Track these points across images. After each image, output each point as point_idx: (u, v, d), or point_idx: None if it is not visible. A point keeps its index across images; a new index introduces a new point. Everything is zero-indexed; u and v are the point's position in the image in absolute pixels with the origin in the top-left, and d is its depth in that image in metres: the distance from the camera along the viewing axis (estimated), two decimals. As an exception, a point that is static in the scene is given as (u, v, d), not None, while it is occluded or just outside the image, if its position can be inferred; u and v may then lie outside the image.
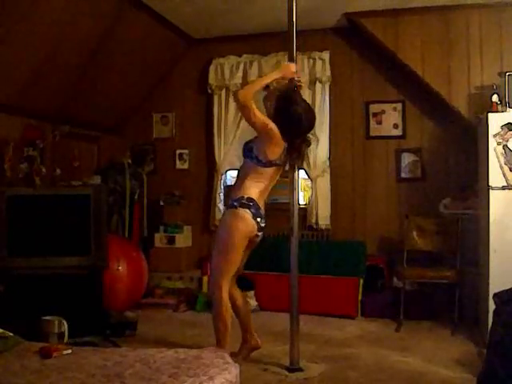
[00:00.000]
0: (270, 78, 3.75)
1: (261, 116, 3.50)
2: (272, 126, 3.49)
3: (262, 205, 3.65)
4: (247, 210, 3.54)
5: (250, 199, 3.56)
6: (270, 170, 3.62)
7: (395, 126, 5.80)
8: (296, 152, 3.68)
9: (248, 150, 3.65)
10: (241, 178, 3.68)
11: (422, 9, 5.21)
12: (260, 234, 3.67)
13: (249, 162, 3.65)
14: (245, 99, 3.44)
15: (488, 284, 4.20)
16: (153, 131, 6.58)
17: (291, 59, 3.77)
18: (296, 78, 3.74)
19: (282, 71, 3.74)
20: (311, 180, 5.92)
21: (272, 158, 3.55)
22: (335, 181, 5.91)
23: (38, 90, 5.02)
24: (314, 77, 5.87)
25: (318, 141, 5.70)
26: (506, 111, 4.52)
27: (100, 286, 4.44)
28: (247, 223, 3.55)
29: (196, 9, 5.34)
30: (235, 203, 3.57)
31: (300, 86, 3.82)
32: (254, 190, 3.59)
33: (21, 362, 2.45)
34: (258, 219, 3.58)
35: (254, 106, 3.46)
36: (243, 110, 3.52)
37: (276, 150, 3.54)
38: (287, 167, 3.81)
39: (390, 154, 5.82)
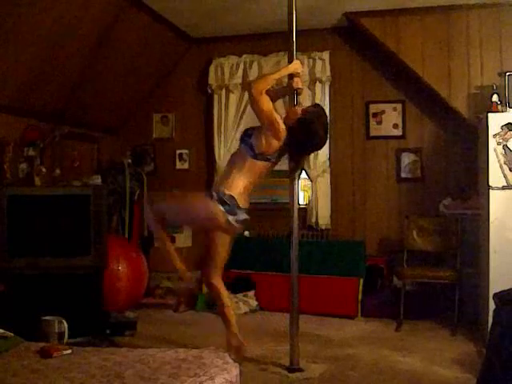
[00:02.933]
0: (282, 73, 3.67)
1: (269, 107, 3.42)
2: (279, 120, 3.45)
3: (244, 199, 3.54)
4: (221, 207, 3.45)
5: (231, 197, 3.47)
6: (259, 164, 3.54)
7: (395, 126, 5.80)
8: (296, 161, 3.67)
9: (247, 135, 3.57)
10: (229, 167, 3.63)
11: (421, 9, 5.21)
12: (238, 226, 3.57)
13: (242, 149, 3.57)
14: (257, 94, 3.38)
15: (488, 284, 4.21)
16: (153, 131, 6.58)
17: (291, 59, 3.76)
18: (298, 85, 3.69)
19: (292, 67, 3.67)
20: (311, 180, 5.92)
21: (266, 150, 3.49)
22: (335, 181, 5.91)
23: (38, 90, 5.02)
24: (314, 77, 5.87)
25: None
26: (506, 111, 4.53)
27: (100, 286, 4.44)
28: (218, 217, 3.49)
29: (196, 9, 5.34)
30: (214, 194, 3.48)
31: (300, 90, 3.76)
32: (238, 184, 3.51)
33: (21, 362, 2.45)
34: (231, 217, 3.47)
35: (264, 97, 3.40)
36: (253, 102, 3.44)
37: (273, 142, 3.47)
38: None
39: (390, 154, 5.82)
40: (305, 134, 3.52)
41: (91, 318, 4.28)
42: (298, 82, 3.71)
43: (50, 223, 4.40)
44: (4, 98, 4.76)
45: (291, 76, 3.71)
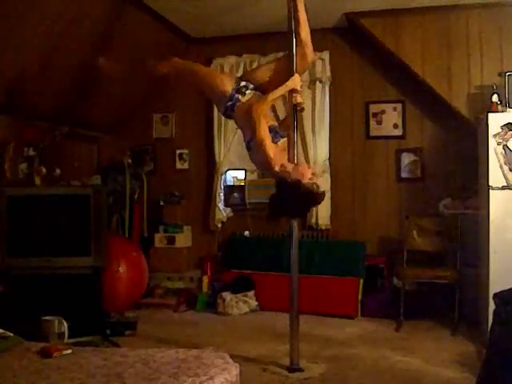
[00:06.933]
0: (281, 91, 3.56)
1: (265, 135, 3.36)
2: (270, 147, 3.35)
3: None
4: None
5: None
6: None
7: (395, 126, 5.80)
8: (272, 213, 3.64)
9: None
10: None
11: (421, 9, 5.21)
12: None
13: None
14: (258, 117, 3.35)
15: (488, 284, 4.21)
16: (153, 131, 6.58)
17: (291, 59, 3.76)
18: (297, 100, 3.59)
19: (291, 84, 3.56)
20: (311, 180, 5.90)
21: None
22: (335, 180, 5.91)
23: (37, 89, 5.02)
24: (314, 77, 5.86)
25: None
26: (506, 111, 4.52)
27: (100, 286, 4.44)
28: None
29: (196, 8, 5.34)
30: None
31: (302, 109, 3.69)
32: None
33: (21, 362, 2.44)
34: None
35: (263, 122, 3.36)
36: (253, 123, 3.38)
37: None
38: None
39: (390, 154, 5.81)
40: (289, 196, 3.34)
41: (91, 318, 4.27)
42: (296, 98, 3.62)
43: (50, 223, 4.40)
44: (4, 98, 4.76)
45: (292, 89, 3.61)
